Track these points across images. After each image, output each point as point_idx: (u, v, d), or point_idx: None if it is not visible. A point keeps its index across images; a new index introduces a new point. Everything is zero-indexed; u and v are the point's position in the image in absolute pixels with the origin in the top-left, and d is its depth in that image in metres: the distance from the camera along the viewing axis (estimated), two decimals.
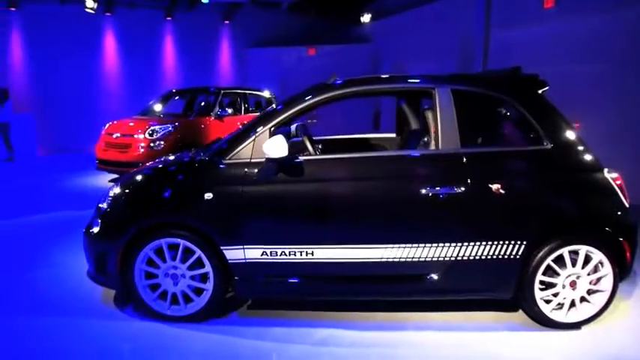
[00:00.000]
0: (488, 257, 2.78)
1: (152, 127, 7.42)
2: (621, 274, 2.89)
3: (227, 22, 14.25)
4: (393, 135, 4.26)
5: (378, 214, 2.79)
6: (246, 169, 2.81)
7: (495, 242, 2.76)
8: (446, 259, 2.78)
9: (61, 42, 11.59)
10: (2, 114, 9.63)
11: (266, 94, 9.83)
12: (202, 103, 8.84)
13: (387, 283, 2.87)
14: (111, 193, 3.06)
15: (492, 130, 3.17)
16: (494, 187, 2.75)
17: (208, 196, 2.80)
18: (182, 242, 2.85)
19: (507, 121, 3.16)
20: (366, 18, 13.90)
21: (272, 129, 2.85)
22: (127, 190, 3.03)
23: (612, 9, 6.68)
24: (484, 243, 2.76)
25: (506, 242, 2.76)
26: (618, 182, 2.90)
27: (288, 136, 3.34)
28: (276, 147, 2.62)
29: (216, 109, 8.51)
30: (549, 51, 7.71)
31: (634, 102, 6.49)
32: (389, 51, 13.09)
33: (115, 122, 7.94)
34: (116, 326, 2.92)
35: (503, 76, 3.04)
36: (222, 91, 8.85)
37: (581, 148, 2.90)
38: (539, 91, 2.98)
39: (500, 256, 2.77)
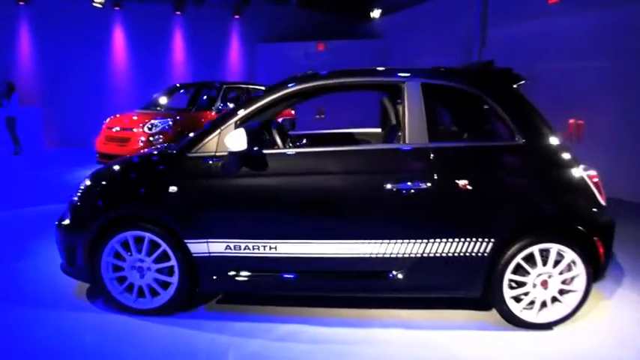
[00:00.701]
0: (455, 255, 2.71)
1: (151, 121, 7.49)
2: (595, 274, 2.79)
3: (237, 16, 14.26)
4: (379, 130, 4.20)
5: (341, 209, 2.75)
6: (210, 163, 2.80)
7: (462, 239, 2.69)
8: (411, 255, 2.72)
9: (69, 36, 11.75)
10: (8, 108, 9.82)
11: None
12: (205, 97, 8.89)
13: (351, 280, 2.82)
14: (81, 186, 3.08)
15: (463, 124, 3.08)
16: (462, 183, 2.67)
17: (173, 189, 2.79)
18: (147, 235, 2.86)
19: (479, 116, 3.06)
20: (375, 13, 13.78)
21: (237, 122, 2.82)
22: (95, 183, 3.04)
23: (620, 3, 6.44)
24: (450, 240, 2.69)
25: (474, 240, 2.69)
26: (595, 180, 2.79)
27: (268, 130, 3.30)
28: (236, 140, 2.60)
29: (218, 103, 8.54)
30: (555, 47, 7.51)
31: None
32: (398, 46, 12.93)
33: (116, 116, 8.05)
34: (84, 318, 2.95)
35: (475, 69, 2.94)
36: (224, 86, 8.88)
37: (555, 144, 2.79)
38: (514, 85, 2.88)
39: (467, 254, 2.70)
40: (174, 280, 2.89)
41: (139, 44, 12.89)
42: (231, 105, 9.10)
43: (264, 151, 2.78)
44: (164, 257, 2.89)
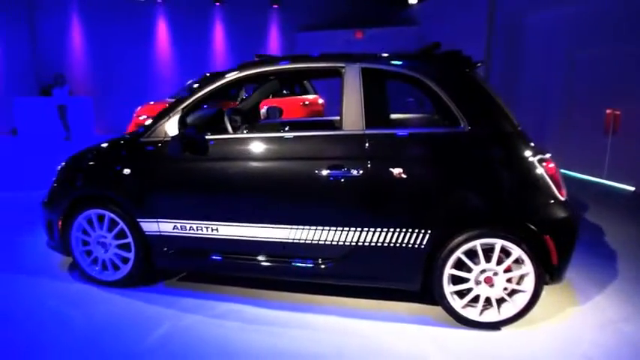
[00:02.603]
0: (391, 245, 2.66)
1: None
2: (551, 275, 2.62)
3: (275, 6, 14.46)
4: None
5: (276, 194, 2.80)
6: (159, 147, 2.96)
7: (396, 230, 2.64)
8: (345, 243, 2.72)
9: (117, 29, 12.57)
10: (60, 97, 10.74)
11: None
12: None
13: (288, 264, 2.86)
14: (58, 167, 3.37)
15: (404, 110, 2.98)
16: (396, 171, 2.62)
17: (127, 171, 2.99)
18: (107, 214, 3.09)
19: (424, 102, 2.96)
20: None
21: (184, 109, 2.95)
22: (67, 165, 3.32)
23: None
24: (385, 230, 2.65)
25: (409, 230, 2.63)
26: (553, 172, 2.60)
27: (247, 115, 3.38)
28: (171, 126, 2.74)
29: (242, 93, 8.78)
30: (593, 31, 6.96)
31: None
32: (435, 33, 12.52)
33: (147, 104, 8.54)
34: (56, 286, 3.25)
35: (419, 53, 2.84)
36: None
37: (507, 131, 2.63)
38: (465, 69, 2.75)
39: (402, 245, 2.65)
40: (131, 256, 3.11)
41: (181, 35, 13.49)
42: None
43: (207, 137, 2.90)
44: (123, 234, 3.11)
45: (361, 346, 2.55)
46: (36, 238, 4.22)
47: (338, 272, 2.79)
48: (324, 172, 2.69)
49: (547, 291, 3.20)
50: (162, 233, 2.99)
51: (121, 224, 3.07)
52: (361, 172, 2.64)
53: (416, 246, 2.64)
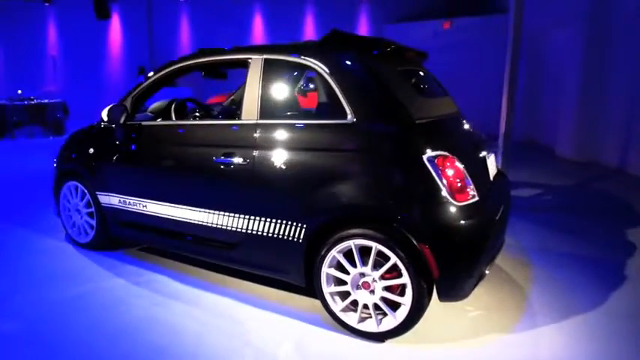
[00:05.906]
0: (274, 236, 2.71)
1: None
2: (437, 291, 2.40)
3: None
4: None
5: (183, 177, 3.06)
6: (109, 131, 3.43)
7: (277, 221, 2.68)
8: (238, 230, 2.84)
9: (218, 26, 13.97)
10: None
11: None
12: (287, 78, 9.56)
13: (195, 244, 3.09)
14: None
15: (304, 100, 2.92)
16: (277, 161, 2.66)
17: (91, 151, 3.54)
18: (79, 185, 3.68)
19: (320, 92, 2.89)
20: None
21: (134, 98, 3.36)
22: (63, 143, 3.99)
23: None
24: (267, 219, 2.71)
25: (287, 223, 2.65)
26: (448, 173, 2.34)
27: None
28: (104, 113, 3.18)
29: (301, 83, 9.09)
30: None
31: None
32: (526, 19, 11.28)
33: (218, 95, 9.39)
34: (45, 242, 3.97)
35: (318, 41, 2.78)
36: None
37: (396, 125, 2.45)
38: (365, 57, 2.64)
39: (283, 237, 2.67)
40: (94, 223, 3.66)
41: (276, 30, 14.35)
42: (311, 85, 9.57)
43: (144, 123, 3.28)
44: (90, 204, 3.67)
45: (221, 331, 2.61)
46: None
47: (234, 257, 2.92)
48: (218, 159, 2.84)
49: (486, 310, 2.88)
50: (113, 205, 3.47)
51: (88, 195, 3.63)
52: (247, 160, 2.74)
53: (295, 240, 2.63)
